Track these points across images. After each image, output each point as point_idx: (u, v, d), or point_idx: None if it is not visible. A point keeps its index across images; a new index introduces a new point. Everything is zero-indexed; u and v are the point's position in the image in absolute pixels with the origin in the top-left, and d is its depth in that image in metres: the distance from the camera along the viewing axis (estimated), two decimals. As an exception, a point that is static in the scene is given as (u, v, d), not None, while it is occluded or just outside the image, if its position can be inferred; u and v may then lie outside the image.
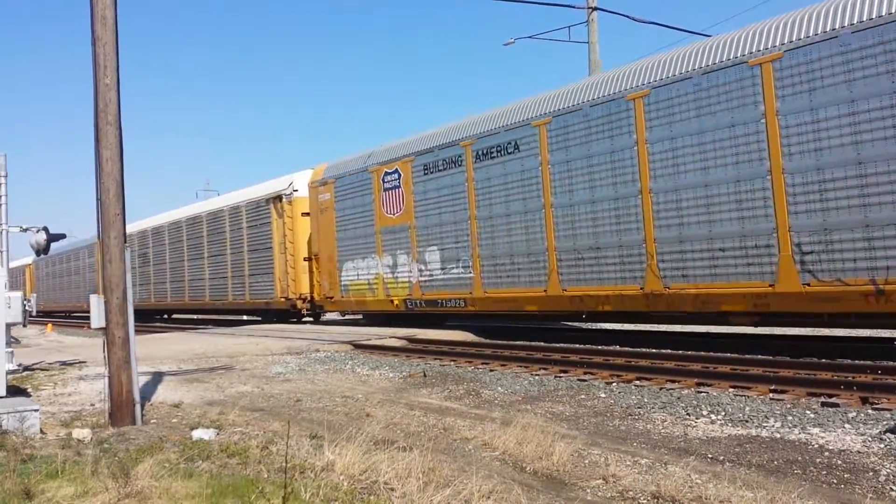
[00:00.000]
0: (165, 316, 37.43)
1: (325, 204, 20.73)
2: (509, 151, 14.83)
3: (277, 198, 23.47)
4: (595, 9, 21.00)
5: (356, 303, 19.75)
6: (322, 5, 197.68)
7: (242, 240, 25.65)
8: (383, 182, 18.48)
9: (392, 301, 18.17)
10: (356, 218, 19.50)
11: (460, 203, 16.12)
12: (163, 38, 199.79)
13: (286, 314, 24.20)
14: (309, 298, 22.26)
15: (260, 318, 26.64)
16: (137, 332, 8.93)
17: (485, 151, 15.44)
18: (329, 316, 25.50)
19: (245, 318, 28.65)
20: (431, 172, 16.91)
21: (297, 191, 22.78)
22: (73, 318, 43.77)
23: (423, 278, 17.18)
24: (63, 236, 13.90)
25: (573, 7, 21.13)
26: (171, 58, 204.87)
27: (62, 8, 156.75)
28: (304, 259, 22.32)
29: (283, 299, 23.07)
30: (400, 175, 17.90)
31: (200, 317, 34.35)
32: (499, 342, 14.71)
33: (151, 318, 36.37)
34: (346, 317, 23.48)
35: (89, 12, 7.80)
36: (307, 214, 22.20)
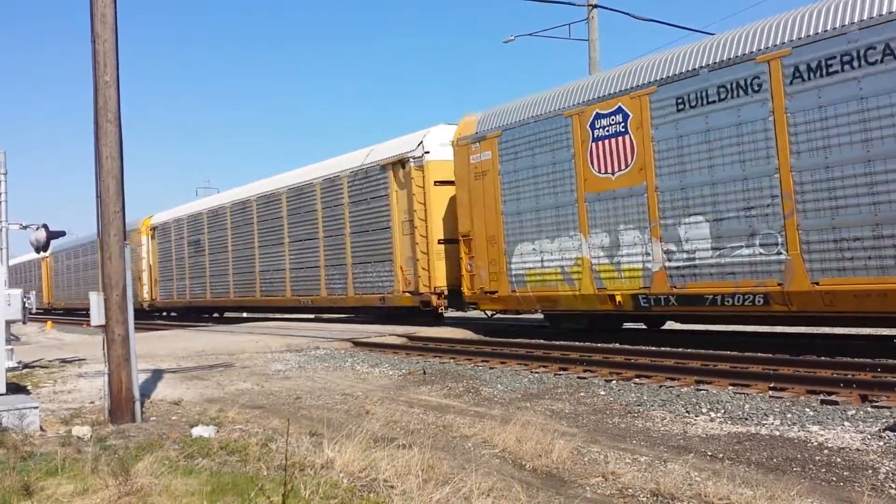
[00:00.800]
0: (215, 315, 31.56)
1: (481, 166, 15.42)
2: (870, 61, 9.59)
3: (399, 163, 18.16)
4: (595, 6, 21.00)
5: (538, 299, 14.34)
6: (321, 5, 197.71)
7: (343, 219, 20.27)
8: (592, 129, 13.05)
9: (611, 297, 12.86)
10: (539, 182, 14.11)
11: (756, 149, 10.80)
12: (162, 38, 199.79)
13: (408, 312, 19.15)
14: (446, 293, 17.24)
15: (363, 318, 21.62)
16: (138, 329, 8.94)
17: (813, 65, 10.16)
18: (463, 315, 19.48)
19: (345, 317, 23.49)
20: (693, 107, 11.53)
21: (428, 153, 17.46)
22: None
23: (673, 263, 11.83)
24: (63, 233, 13.94)
25: (573, 4, 21.15)
26: (169, 57, 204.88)
27: (62, 5, 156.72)
28: (440, 242, 17.25)
29: (407, 294, 17.96)
30: (627, 116, 12.51)
31: (276, 316, 27.98)
32: (499, 340, 14.72)
33: (200, 317, 31.27)
34: (489, 315, 16.99)
35: (89, 10, 7.80)
36: (444, 183, 17.23)
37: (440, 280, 17.20)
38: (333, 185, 20.80)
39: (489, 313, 16.60)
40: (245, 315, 29.48)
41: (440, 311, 18.16)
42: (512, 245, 14.78)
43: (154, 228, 32.97)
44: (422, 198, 17.50)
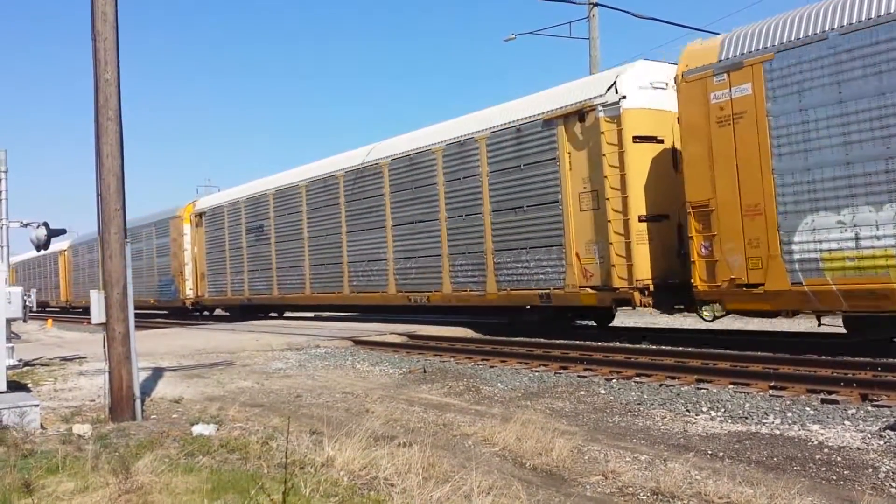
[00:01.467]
0: (272, 314, 26.63)
1: (732, 107, 11.04)
2: None
3: (576, 114, 13.68)
4: (596, 4, 21.01)
5: (845, 295, 9.93)
6: (322, 4, 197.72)
7: (480, 193, 15.72)
8: None
9: None
10: (852, 124, 9.76)
11: None
12: (162, 37, 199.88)
13: (580, 314, 15.36)
14: (651, 288, 12.68)
15: (507, 321, 16.57)
16: (138, 328, 8.95)
17: None
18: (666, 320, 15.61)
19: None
20: None
21: (625, 98, 12.94)
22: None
23: None
24: (63, 231, 13.95)
25: (574, 3, 21.15)
26: (169, 56, 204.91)
27: (62, 4, 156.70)
28: (641, 219, 12.79)
29: (587, 290, 13.54)
30: None
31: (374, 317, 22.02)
32: (499, 339, 14.72)
33: (256, 316, 26.14)
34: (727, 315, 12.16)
35: (90, 8, 7.80)
36: (645, 139, 12.97)
37: (643, 270, 12.73)
38: (463, 150, 16.22)
39: (711, 315, 12.37)
40: (325, 315, 24.71)
41: (646, 307, 13.41)
42: (793, 217, 10.48)
43: (200, 215, 28.02)
44: (615, 159, 13.00)
